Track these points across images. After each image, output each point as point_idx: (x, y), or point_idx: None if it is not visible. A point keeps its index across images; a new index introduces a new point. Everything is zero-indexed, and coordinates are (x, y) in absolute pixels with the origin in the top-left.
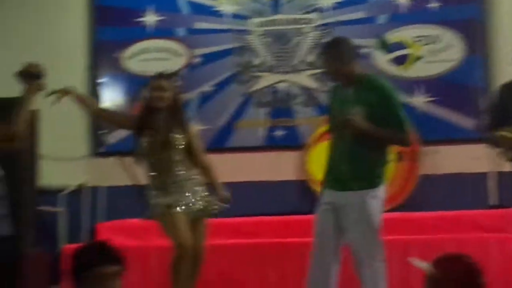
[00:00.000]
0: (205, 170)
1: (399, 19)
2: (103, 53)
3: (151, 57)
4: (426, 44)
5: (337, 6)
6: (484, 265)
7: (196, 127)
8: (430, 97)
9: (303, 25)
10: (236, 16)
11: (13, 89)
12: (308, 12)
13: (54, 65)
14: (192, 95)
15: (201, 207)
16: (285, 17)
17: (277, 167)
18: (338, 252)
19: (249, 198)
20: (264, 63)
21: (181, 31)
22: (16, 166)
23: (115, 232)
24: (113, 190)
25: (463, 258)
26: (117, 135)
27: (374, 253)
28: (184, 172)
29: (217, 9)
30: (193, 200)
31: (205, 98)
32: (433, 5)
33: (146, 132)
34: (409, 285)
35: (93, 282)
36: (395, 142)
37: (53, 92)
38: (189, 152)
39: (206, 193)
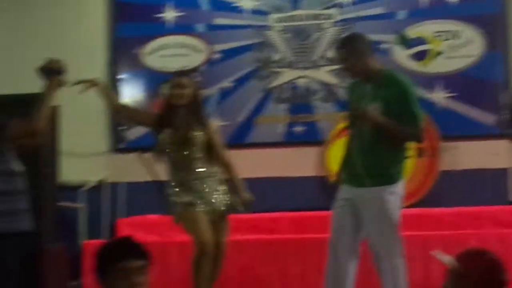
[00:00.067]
0: (226, 167)
1: (419, 14)
2: (122, 49)
3: (171, 53)
4: (446, 40)
5: (357, 2)
6: (504, 261)
7: (215, 123)
8: (450, 92)
9: (323, 21)
10: (255, 11)
11: (34, 85)
12: (327, 8)
13: (74, 62)
14: (211, 91)
15: (222, 204)
16: (305, 13)
17: (297, 163)
18: (356, 247)
19: (269, 194)
20: (284, 58)
21: (200, 27)
22: (37, 162)
23: (135, 228)
24: (133, 186)
25: (486, 254)
26: (137, 131)
27: (393, 249)
28: (205, 169)
29: (237, 4)
30: (214, 197)
31: (225, 94)
32: (453, 0)
33: (166, 129)
34: (429, 281)
35: (117, 277)
36: (408, 137)
37: (81, 82)
38: (210, 149)
39: (227, 191)
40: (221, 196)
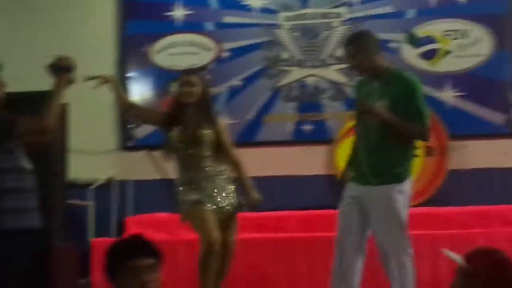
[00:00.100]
0: (235, 165)
1: (428, 13)
2: (131, 48)
3: (180, 51)
4: (455, 39)
5: (366, 0)
6: None
7: (224, 122)
8: (459, 91)
9: (332, 20)
10: (264, 10)
11: (43, 82)
12: (336, 6)
13: (83, 60)
14: (220, 89)
15: (230, 203)
16: (314, 11)
17: (305, 161)
18: (362, 245)
19: (277, 192)
20: (293, 57)
21: (209, 25)
22: (46, 159)
23: (143, 226)
24: (142, 184)
25: (495, 253)
26: (146, 129)
27: (400, 247)
28: (213, 167)
29: (246, 3)
30: (222, 196)
31: (234, 92)
32: None
33: (175, 127)
34: (437, 280)
35: (128, 275)
36: (414, 135)
37: (93, 78)
38: (219, 147)
39: (235, 190)
40: (229, 195)
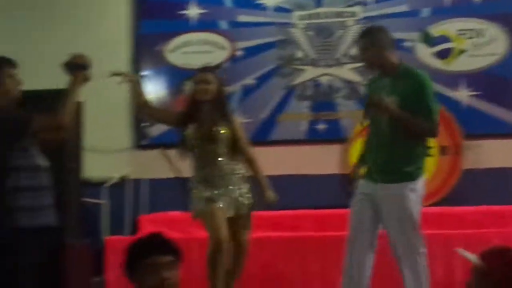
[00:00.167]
0: (250, 163)
1: (443, 12)
2: (146, 46)
3: (194, 50)
4: (470, 38)
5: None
6: None
7: (239, 120)
8: (474, 91)
9: (346, 19)
10: (278, 9)
11: (59, 80)
12: (351, 6)
13: (98, 58)
14: (234, 88)
15: (245, 202)
16: (328, 10)
17: (319, 160)
18: (373, 243)
19: (291, 191)
20: (307, 56)
21: (223, 24)
22: (61, 157)
23: (157, 225)
24: (156, 183)
25: (510, 252)
26: (160, 128)
27: (413, 246)
28: (228, 165)
29: (260, 2)
30: (237, 194)
31: (248, 91)
32: None
33: (191, 125)
34: (451, 280)
35: (146, 272)
36: (422, 131)
37: (117, 74)
38: (234, 145)
39: (250, 188)
40: (244, 193)
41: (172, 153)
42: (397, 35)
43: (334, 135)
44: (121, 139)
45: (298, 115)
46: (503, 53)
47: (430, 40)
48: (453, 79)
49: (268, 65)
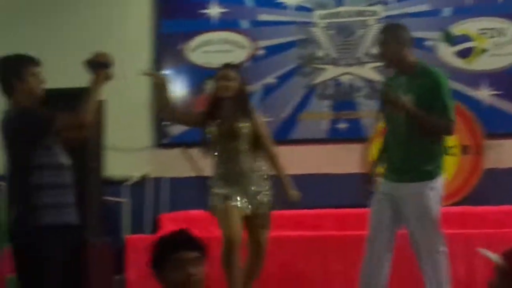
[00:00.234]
0: (272, 159)
1: (464, 11)
2: (167, 46)
3: (215, 49)
4: (491, 37)
5: None
6: None
7: (262, 117)
8: (495, 90)
9: (367, 18)
10: (299, 8)
11: (82, 79)
12: (372, 5)
13: (119, 58)
14: (255, 87)
15: (265, 201)
16: (349, 9)
17: (340, 159)
18: (392, 242)
19: (312, 190)
20: (328, 55)
21: (244, 23)
22: (83, 156)
23: (178, 223)
24: (176, 181)
25: None
26: (181, 127)
27: (434, 244)
28: (249, 162)
29: (281, 1)
30: (256, 193)
31: (268, 90)
32: None
33: (212, 121)
34: (473, 279)
35: (173, 268)
36: (438, 128)
37: (149, 74)
38: (256, 142)
39: (270, 187)
40: (263, 192)
41: (193, 152)
42: (418, 34)
43: (355, 134)
44: (142, 138)
45: (319, 114)
46: None
47: (451, 39)
48: (474, 79)
49: (289, 64)
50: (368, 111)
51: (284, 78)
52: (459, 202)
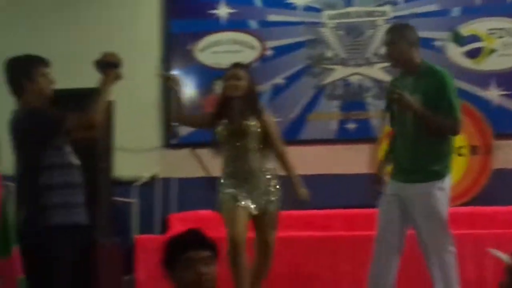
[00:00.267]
0: (282, 159)
1: (473, 11)
2: (176, 46)
3: (224, 49)
4: (500, 37)
5: None
6: None
7: (272, 116)
8: (504, 90)
9: (376, 18)
10: (308, 8)
11: (91, 79)
12: (381, 5)
13: (129, 58)
14: (264, 88)
15: (272, 201)
16: (358, 10)
17: (349, 160)
18: (401, 242)
19: (321, 190)
20: (337, 55)
21: (253, 24)
22: (92, 156)
23: (187, 223)
24: (185, 182)
25: None
26: (190, 128)
27: (442, 244)
28: (258, 162)
29: (290, 1)
30: (264, 193)
31: (277, 90)
32: None
33: (222, 121)
34: (482, 280)
35: (185, 267)
36: (444, 128)
37: (166, 76)
38: (265, 141)
39: (279, 187)
40: (272, 192)
41: (202, 152)
42: (427, 34)
43: (364, 135)
44: (151, 138)
45: (328, 115)
46: None
47: (460, 40)
48: (483, 79)
49: (298, 65)
50: (377, 111)
51: (293, 79)
52: (468, 203)
